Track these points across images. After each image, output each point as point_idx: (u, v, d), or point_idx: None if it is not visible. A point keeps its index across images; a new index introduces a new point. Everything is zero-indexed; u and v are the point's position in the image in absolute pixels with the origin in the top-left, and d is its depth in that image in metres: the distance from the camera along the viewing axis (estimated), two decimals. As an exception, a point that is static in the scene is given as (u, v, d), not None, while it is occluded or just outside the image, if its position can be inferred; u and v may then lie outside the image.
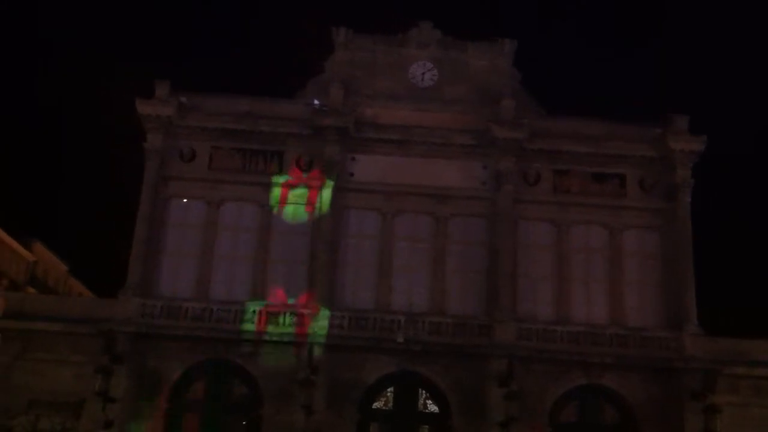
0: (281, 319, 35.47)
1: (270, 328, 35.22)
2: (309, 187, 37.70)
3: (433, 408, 36.12)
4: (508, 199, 37.65)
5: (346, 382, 34.73)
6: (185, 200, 38.01)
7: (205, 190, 37.95)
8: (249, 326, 35.20)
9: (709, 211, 43.66)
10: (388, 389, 36.21)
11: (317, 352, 34.33)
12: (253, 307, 35.64)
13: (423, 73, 39.98)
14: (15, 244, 61.83)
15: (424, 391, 36.18)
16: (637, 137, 38.85)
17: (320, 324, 34.91)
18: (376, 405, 36.03)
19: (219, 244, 37.48)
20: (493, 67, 40.07)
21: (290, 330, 35.17)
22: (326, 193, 37.30)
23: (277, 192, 37.81)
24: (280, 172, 38.15)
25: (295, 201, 37.76)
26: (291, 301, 35.84)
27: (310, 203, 37.65)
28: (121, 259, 37.23)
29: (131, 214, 37.16)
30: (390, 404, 36.36)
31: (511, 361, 34.22)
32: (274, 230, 37.62)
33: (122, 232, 38.50)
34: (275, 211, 37.70)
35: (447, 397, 35.21)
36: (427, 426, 36.76)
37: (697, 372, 34.60)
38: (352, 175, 38.26)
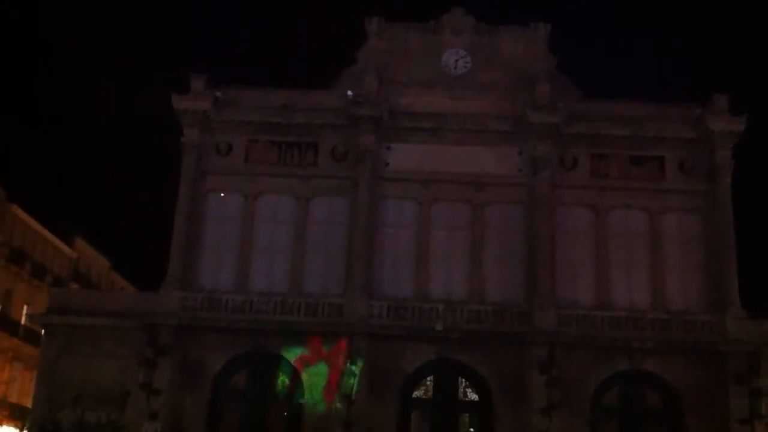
0: (320, 310, 35.59)
1: (310, 319, 35.35)
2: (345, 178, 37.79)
3: (473, 396, 36.07)
4: (545, 184, 37.37)
5: (387, 371, 34.78)
6: (223, 194, 38.31)
7: (242, 184, 38.20)
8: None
9: (751, 191, 42.96)
10: (428, 378, 36.22)
11: (357, 341, 34.39)
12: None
13: (456, 60, 39.78)
14: (57, 241, 62.77)
15: (463, 380, 36.13)
16: (676, 118, 38.35)
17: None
18: (416, 394, 36.07)
19: (257, 236, 37.74)
20: (527, 52, 39.73)
21: (329, 320, 35.27)
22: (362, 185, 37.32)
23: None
24: (316, 163, 38.30)
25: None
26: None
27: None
28: (161, 253, 37.68)
29: (171, 209, 37.54)
30: (430, 393, 36.38)
31: (552, 347, 34.05)
32: (311, 221, 37.79)
33: (162, 227, 38.93)
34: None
35: (488, 384, 35.15)
36: (467, 414, 36.77)
37: (741, 355, 34.10)
38: (387, 164, 38.25)
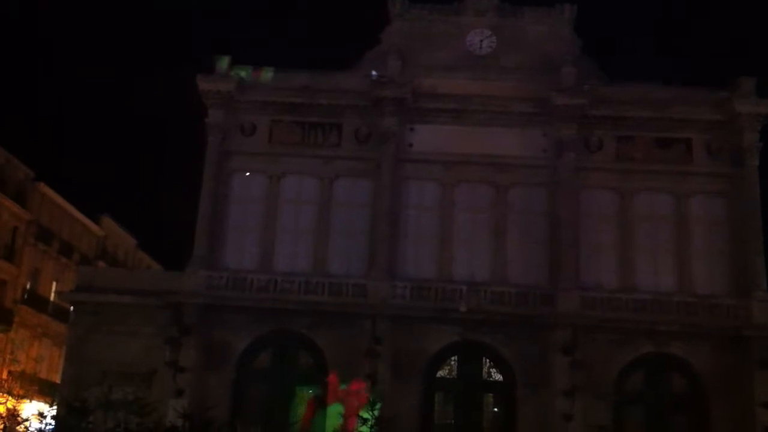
0: (344, 290, 35.79)
1: (333, 299, 35.58)
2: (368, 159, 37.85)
3: (497, 377, 36.16)
4: (569, 167, 37.20)
5: (410, 352, 34.91)
6: (247, 174, 38.49)
7: (266, 164, 38.36)
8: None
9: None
10: (452, 358, 36.33)
11: (381, 322, 34.60)
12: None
13: (481, 41, 39.55)
14: (85, 220, 63.53)
15: (487, 360, 36.21)
16: (702, 101, 37.95)
17: None
18: (440, 374, 36.19)
19: (281, 216, 37.90)
20: (552, 34, 39.42)
21: (352, 301, 35.47)
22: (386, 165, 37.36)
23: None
24: (339, 144, 38.37)
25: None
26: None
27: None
28: (187, 232, 38.01)
29: (196, 189, 37.82)
30: (454, 373, 36.49)
31: (575, 330, 34.05)
32: (334, 202, 37.91)
33: (188, 206, 39.26)
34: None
35: (511, 365, 35.19)
36: (491, 394, 36.89)
37: (766, 339, 33.92)
38: (410, 145, 38.22)
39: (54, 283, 58.51)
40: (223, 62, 38.54)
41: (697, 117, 37.71)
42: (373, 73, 38.32)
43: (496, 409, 36.93)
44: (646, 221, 37.40)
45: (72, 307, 38.45)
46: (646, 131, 37.92)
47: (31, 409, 43.50)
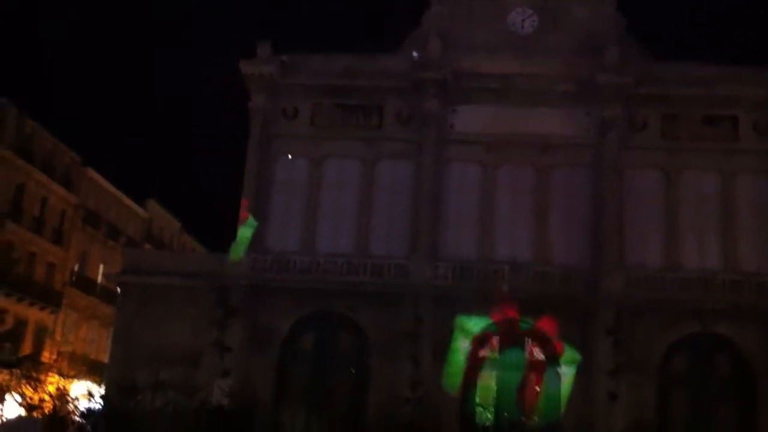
0: (386, 271, 35.89)
1: (375, 280, 35.68)
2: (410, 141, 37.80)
3: (540, 357, 36.01)
4: (613, 146, 36.79)
5: (452, 333, 34.91)
6: (290, 157, 38.67)
7: (308, 147, 38.51)
8: None
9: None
10: (494, 339, 36.25)
11: (422, 303, 34.66)
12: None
13: (523, 20, 39.16)
14: (131, 204, 64.34)
15: (530, 340, 36.05)
16: (750, 78, 37.21)
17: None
18: (482, 354, 36.18)
19: (323, 198, 38.08)
20: (596, 12, 38.89)
21: (395, 281, 35.54)
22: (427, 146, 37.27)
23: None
24: (381, 126, 38.35)
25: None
26: None
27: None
28: (231, 215, 38.34)
29: (240, 172, 38.15)
30: (496, 354, 36.40)
31: (619, 310, 33.77)
32: (376, 184, 37.97)
33: (231, 190, 39.65)
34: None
35: (554, 346, 34.98)
36: (534, 375, 36.71)
37: (816, 318, 33.36)
38: (452, 127, 38.07)
39: (101, 266, 59.45)
40: (265, 47, 38.70)
41: (744, 94, 37.04)
42: (415, 54, 38.17)
43: (537, 389, 36.78)
44: (691, 200, 36.91)
45: (119, 289, 39.04)
46: (692, 109, 37.33)
47: (80, 388, 44.46)
